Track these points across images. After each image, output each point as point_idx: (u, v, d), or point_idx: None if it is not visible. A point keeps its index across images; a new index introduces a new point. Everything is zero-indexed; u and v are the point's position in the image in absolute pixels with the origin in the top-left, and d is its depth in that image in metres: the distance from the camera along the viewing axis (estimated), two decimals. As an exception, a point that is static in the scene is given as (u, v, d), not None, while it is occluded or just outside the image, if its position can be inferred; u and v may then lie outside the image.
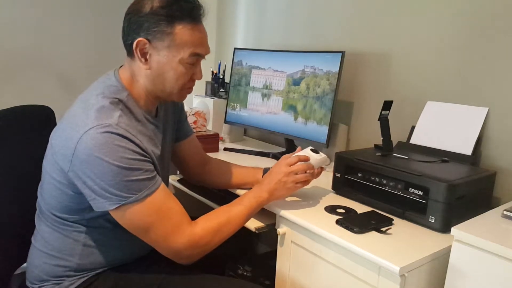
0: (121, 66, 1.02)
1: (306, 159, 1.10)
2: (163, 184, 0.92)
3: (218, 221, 0.97)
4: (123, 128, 0.87)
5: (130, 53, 0.96)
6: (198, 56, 0.96)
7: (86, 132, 0.84)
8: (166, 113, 1.13)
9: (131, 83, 0.98)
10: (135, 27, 0.92)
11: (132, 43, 0.93)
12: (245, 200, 1.03)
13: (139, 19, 0.92)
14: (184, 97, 1.03)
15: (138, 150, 0.89)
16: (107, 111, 0.89)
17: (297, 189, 1.09)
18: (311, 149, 1.14)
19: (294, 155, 1.12)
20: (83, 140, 0.84)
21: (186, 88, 1.00)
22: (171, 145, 1.19)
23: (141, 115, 0.97)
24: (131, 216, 0.88)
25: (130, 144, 0.87)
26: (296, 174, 1.07)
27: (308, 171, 1.09)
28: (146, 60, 0.94)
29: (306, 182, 1.10)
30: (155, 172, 0.92)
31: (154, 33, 0.92)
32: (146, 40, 0.92)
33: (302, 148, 1.17)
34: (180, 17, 0.92)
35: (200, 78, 1.00)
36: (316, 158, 1.12)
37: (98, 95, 0.92)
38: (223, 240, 0.98)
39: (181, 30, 0.92)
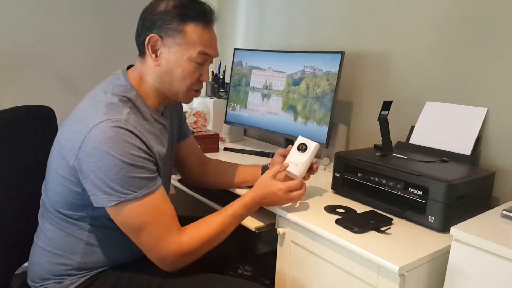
0: (128, 67, 1.04)
1: (304, 182, 1.10)
2: (162, 187, 0.93)
3: (208, 231, 0.96)
4: (132, 125, 0.89)
5: (142, 51, 0.99)
6: (206, 56, 0.98)
7: (96, 126, 0.85)
8: (171, 113, 1.14)
9: (139, 82, 0.99)
10: (149, 25, 0.96)
11: (144, 40, 0.96)
12: (238, 211, 1.01)
13: (153, 17, 0.95)
14: (191, 99, 1.04)
15: (144, 148, 0.90)
16: (117, 108, 0.90)
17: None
18: (299, 147, 1.13)
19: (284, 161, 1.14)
20: (92, 133, 0.85)
21: (193, 90, 1.02)
22: (175, 145, 1.19)
23: (148, 114, 0.99)
24: (127, 214, 0.88)
25: (138, 141, 0.88)
26: (291, 191, 1.06)
27: (300, 174, 1.10)
28: (156, 56, 0.97)
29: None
30: (157, 173, 0.93)
31: (166, 30, 0.95)
32: (158, 37, 0.95)
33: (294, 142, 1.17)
34: (192, 17, 0.95)
35: (207, 79, 1.01)
36: (304, 161, 1.11)
37: (106, 92, 0.94)
38: (210, 249, 0.97)
39: (193, 29, 0.95)
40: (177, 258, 0.92)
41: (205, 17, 0.97)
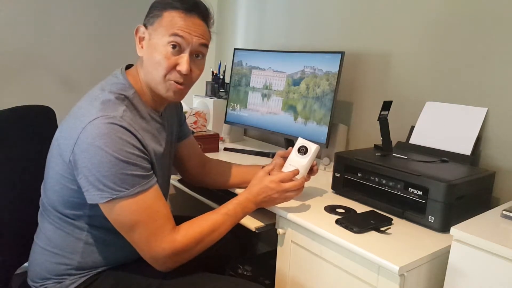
0: (128, 66, 1.04)
1: (297, 173, 1.08)
2: (156, 185, 0.93)
3: (201, 230, 0.95)
4: (127, 122, 0.89)
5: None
6: (180, 39, 0.94)
7: (91, 122, 0.85)
8: (171, 113, 1.14)
9: (137, 80, 1.00)
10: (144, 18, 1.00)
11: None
12: (231, 209, 1.01)
13: (148, 10, 0.99)
14: (171, 92, 0.97)
15: (138, 145, 0.90)
16: (113, 105, 0.90)
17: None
18: (299, 149, 1.12)
19: (286, 164, 1.13)
20: (87, 130, 0.85)
21: (172, 81, 0.96)
22: (175, 145, 1.19)
23: (146, 113, 0.98)
24: (119, 211, 0.88)
25: (132, 138, 0.88)
26: (287, 192, 1.05)
27: (300, 177, 1.09)
28: (142, 47, 0.98)
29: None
30: (151, 171, 0.93)
31: (148, 18, 0.97)
32: (144, 27, 0.98)
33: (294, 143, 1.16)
34: (172, 4, 0.95)
35: (185, 70, 0.94)
36: (304, 164, 1.10)
37: (104, 90, 0.94)
38: (204, 248, 0.96)
39: (169, 14, 0.95)
40: (170, 257, 0.91)
41: (185, 6, 0.95)
